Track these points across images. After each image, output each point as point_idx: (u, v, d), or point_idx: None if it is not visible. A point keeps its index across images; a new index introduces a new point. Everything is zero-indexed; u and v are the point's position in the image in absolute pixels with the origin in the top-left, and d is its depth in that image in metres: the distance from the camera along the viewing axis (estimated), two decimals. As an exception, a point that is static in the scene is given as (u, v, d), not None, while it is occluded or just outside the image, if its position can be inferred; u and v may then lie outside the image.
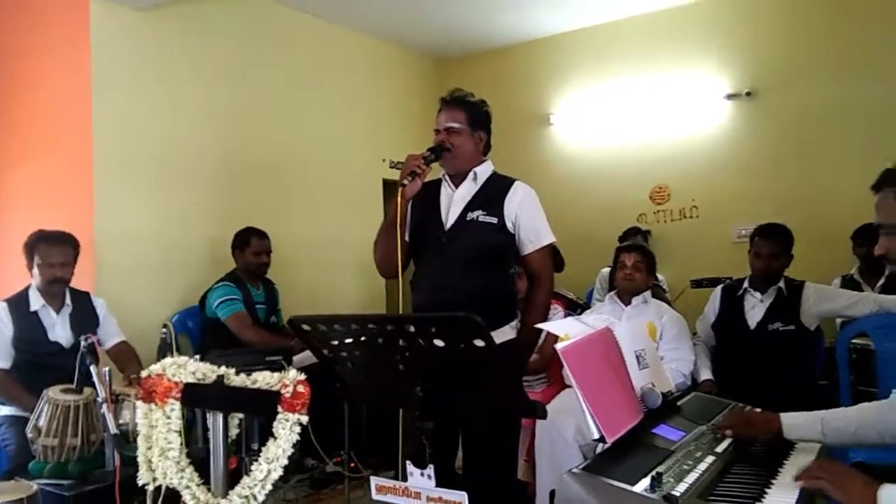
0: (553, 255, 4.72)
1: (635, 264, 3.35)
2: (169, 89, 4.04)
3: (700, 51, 5.02)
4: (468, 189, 2.46)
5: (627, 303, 3.37)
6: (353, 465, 3.68)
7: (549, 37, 5.65)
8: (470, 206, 2.41)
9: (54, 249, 3.05)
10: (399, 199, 2.35)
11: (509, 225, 2.40)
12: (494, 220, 2.38)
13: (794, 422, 1.74)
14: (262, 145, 4.57)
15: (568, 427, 2.97)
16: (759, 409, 2.00)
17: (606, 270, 4.54)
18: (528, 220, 2.40)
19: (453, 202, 2.46)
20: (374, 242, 2.56)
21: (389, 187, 5.60)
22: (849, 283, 4.07)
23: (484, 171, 2.50)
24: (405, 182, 2.35)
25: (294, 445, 1.85)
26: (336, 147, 5.17)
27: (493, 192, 2.43)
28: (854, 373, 3.16)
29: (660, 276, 4.69)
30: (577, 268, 4.95)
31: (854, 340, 3.18)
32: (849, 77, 4.49)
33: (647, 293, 3.38)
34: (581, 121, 5.55)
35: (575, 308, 4.38)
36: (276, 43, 4.72)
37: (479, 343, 1.47)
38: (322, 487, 3.74)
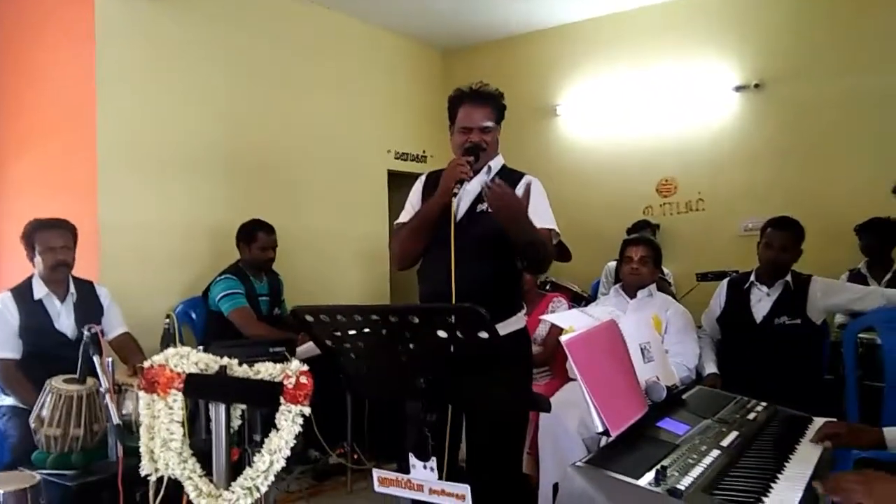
0: (560, 247, 4.75)
1: (642, 258, 3.33)
2: (173, 80, 4.03)
3: (708, 42, 4.97)
4: (479, 181, 2.44)
5: (633, 296, 3.36)
6: (356, 456, 3.68)
7: (557, 27, 5.61)
8: (480, 199, 2.39)
9: (53, 233, 3.05)
10: (452, 203, 2.30)
11: None
12: None
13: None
14: (267, 136, 4.56)
15: (571, 420, 2.97)
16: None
17: (613, 264, 4.51)
18: (535, 206, 2.37)
19: (464, 194, 2.44)
20: (393, 233, 2.52)
21: (394, 178, 5.59)
22: (856, 277, 4.04)
23: (496, 164, 2.49)
24: (456, 191, 2.31)
25: (297, 437, 1.85)
26: (341, 138, 5.15)
27: (506, 184, 2.41)
28: (861, 367, 3.13)
29: (665, 270, 4.67)
30: (582, 260, 4.93)
31: (860, 335, 3.16)
32: (857, 69, 4.44)
33: (653, 286, 3.37)
34: (588, 112, 5.51)
35: (579, 301, 4.38)
36: (281, 33, 4.70)
37: (484, 335, 1.45)
38: (325, 479, 3.74)
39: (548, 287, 4.43)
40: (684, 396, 2.09)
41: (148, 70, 3.91)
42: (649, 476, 1.43)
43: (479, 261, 2.30)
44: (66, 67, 3.85)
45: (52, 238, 3.03)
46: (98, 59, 3.69)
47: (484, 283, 2.25)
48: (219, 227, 4.08)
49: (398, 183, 5.59)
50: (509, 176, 2.44)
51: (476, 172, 2.43)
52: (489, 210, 2.33)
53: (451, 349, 1.51)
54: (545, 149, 5.65)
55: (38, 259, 3.03)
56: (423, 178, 2.61)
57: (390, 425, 3.22)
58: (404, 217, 2.55)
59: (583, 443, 2.93)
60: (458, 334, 1.47)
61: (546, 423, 3.09)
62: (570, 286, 4.56)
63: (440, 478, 1.55)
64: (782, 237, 3.17)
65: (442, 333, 1.49)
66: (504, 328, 2.22)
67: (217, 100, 4.26)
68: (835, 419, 2.05)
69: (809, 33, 4.64)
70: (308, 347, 2.62)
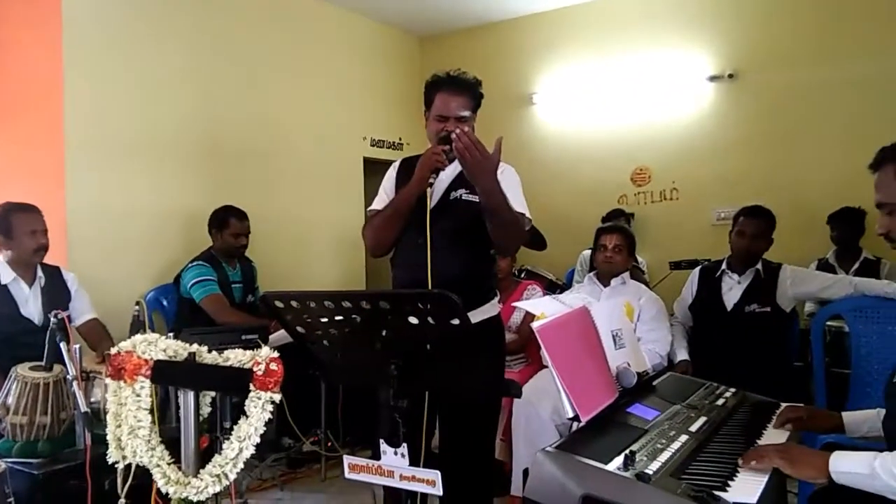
0: (535, 235, 4.76)
1: (616, 247, 3.35)
2: (145, 63, 3.94)
3: (683, 32, 5.00)
4: (453, 168, 2.42)
5: (606, 284, 3.38)
6: (329, 444, 3.67)
7: (534, 15, 5.59)
8: (454, 185, 2.37)
9: (32, 216, 3.00)
10: (427, 192, 2.27)
11: None
12: (477, 199, 2.35)
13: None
14: (241, 121, 4.50)
15: (544, 406, 2.99)
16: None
17: (587, 252, 4.54)
18: (509, 194, 2.36)
19: (438, 181, 2.43)
20: (366, 220, 2.48)
21: (370, 165, 5.56)
22: (824, 266, 4.11)
23: None
24: (432, 181, 2.28)
25: (268, 424, 1.83)
26: (316, 124, 5.10)
27: None
28: (828, 354, 3.19)
29: (639, 258, 4.71)
30: (557, 249, 4.95)
31: (829, 323, 3.21)
32: (830, 60, 4.49)
33: (626, 274, 3.39)
34: (563, 101, 5.52)
35: (554, 289, 4.40)
36: (256, 17, 4.63)
37: (455, 321, 1.45)
38: (298, 466, 3.73)
39: (523, 275, 4.45)
40: (655, 383, 2.11)
41: (118, 52, 3.83)
42: (618, 461, 1.44)
43: (451, 248, 2.29)
44: (31, 48, 3.74)
45: (33, 221, 2.99)
46: (65, 40, 3.59)
47: (456, 271, 2.24)
48: (191, 213, 4.03)
49: (374, 170, 5.56)
50: None
51: (451, 161, 2.42)
52: (463, 197, 2.33)
53: (424, 336, 1.51)
54: (521, 137, 5.65)
55: (16, 243, 2.96)
56: (396, 164, 2.59)
57: (364, 412, 3.22)
58: (377, 204, 2.52)
59: (555, 429, 2.96)
60: (430, 321, 1.47)
61: (519, 409, 3.11)
62: (545, 274, 4.58)
63: (413, 464, 1.55)
64: (755, 225, 3.21)
65: (413, 320, 1.49)
66: (477, 315, 2.22)
67: (190, 84, 4.18)
68: (801, 404, 2.08)
69: (783, 24, 4.68)
70: (281, 335, 2.59)
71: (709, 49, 4.91)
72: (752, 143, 4.78)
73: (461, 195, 2.35)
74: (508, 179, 2.36)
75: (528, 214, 2.39)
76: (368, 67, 5.62)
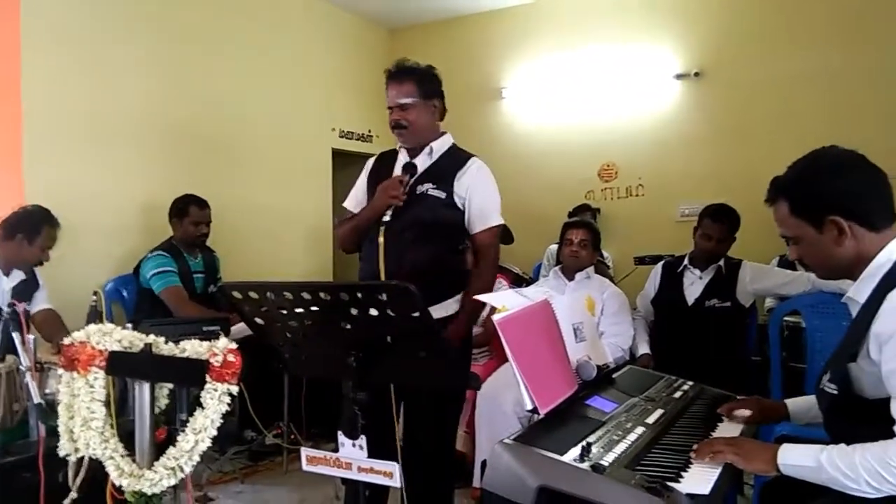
0: (503, 230, 4.74)
1: (581, 241, 3.37)
2: (106, 48, 3.85)
3: (651, 30, 5.05)
4: (422, 163, 2.42)
5: (571, 278, 3.40)
6: (292, 436, 3.65)
7: (504, 9, 5.60)
8: (420, 179, 2.37)
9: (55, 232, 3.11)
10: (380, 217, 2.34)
11: (458, 201, 2.35)
12: (443, 195, 2.35)
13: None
14: (206, 109, 4.42)
15: (507, 399, 3.00)
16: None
17: (555, 247, 4.56)
18: (479, 199, 2.36)
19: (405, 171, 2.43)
20: (339, 219, 2.60)
21: (339, 157, 5.53)
22: (785, 263, 4.18)
23: (441, 145, 2.44)
24: (387, 219, 2.32)
25: (230, 417, 1.81)
26: (284, 114, 5.04)
27: (448, 167, 2.39)
28: (785, 349, 3.26)
29: (605, 253, 4.75)
30: (525, 243, 4.97)
31: (786, 318, 3.28)
32: (795, 59, 4.58)
33: (591, 269, 3.42)
34: (532, 95, 5.53)
35: (521, 283, 4.41)
36: (223, 4, 4.55)
37: (416, 314, 1.45)
38: (261, 459, 3.70)
39: (492, 268, 4.45)
40: (614, 376, 2.13)
41: (77, 37, 3.72)
42: (574, 452, 1.46)
43: (413, 242, 2.30)
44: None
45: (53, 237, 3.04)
46: (24, 22, 3.49)
47: (417, 265, 2.24)
48: (152, 201, 3.94)
49: (343, 162, 5.53)
50: (456, 157, 2.43)
51: (417, 153, 2.42)
52: (429, 192, 2.33)
53: (384, 328, 1.50)
54: (490, 131, 5.66)
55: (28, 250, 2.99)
56: (370, 162, 2.59)
57: (328, 405, 3.20)
58: (348, 202, 2.57)
59: (518, 421, 2.97)
60: (390, 313, 1.46)
61: (483, 402, 3.12)
62: (512, 268, 4.59)
63: (379, 456, 1.54)
64: (720, 230, 3.25)
65: (374, 312, 1.48)
66: (439, 311, 2.22)
67: (154, 70, 4.10)
68: (757, 396, 2.12)
69: (749, 23, 4.75)
70: (243, 326, 2.56)
71: (676, 47, 4.96)
72: (716, 140, 4.86)
73: (427, 189, 2.36)
74: (482, 184, 2.37)
75: (500, 221, 2.41)
76: (338, 58, 5.58)
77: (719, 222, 3.27)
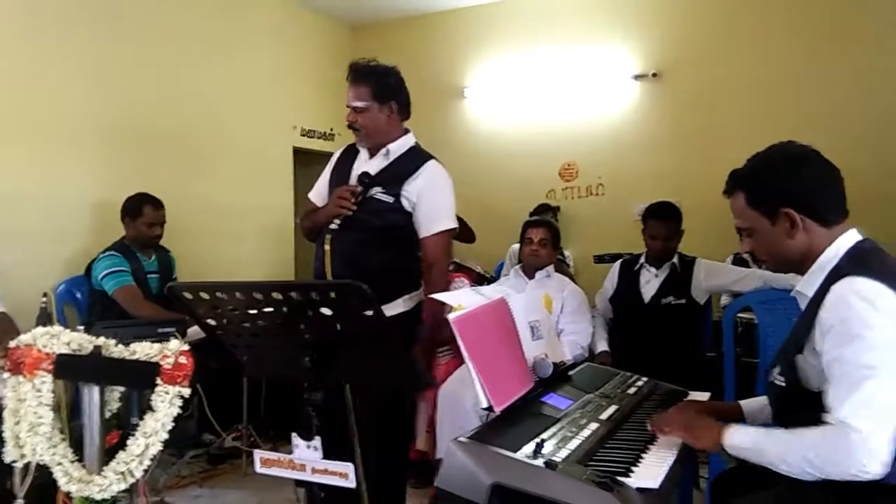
0: (464, 228, 4.77)
1: (541, 240, 3.40)
2: (56, 42, 3.74)
3: (610, 31, 5.12)
4: (378, 164, 2.43)
5: (531, 277, 3.43)
6: (252, 439, 3.61)
7: (467, 8, 5.62)
8: (372, 183, 2.38)
9: None
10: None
11: (407, 205, 2.36)
12: (390, 200, 2.36)
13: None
14: (161, 106, 4.33)
15: (468, 397, 2.99)
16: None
17: (517, 246, 4.59)
18: (428, 204, 2.37)
19: (359, 167, 2.45)
20: (304, 211, 2.66)
21: (300, 155, 5.48)
22: (739, 260, 4.27)
23: (399, 147, 2.44)
24: (333, 226, 2.37)
25: (189, 420, 1.79)
26: (244, 111, 4.97)
27: (400, 170, 2.39)
28: (739, 345, 3.33)
29: (566, 252, 4.80)
30: (487, 242, 4.99)
31: (739, 314, 3.35)
32: (751, 60, 4.69)
33: (551, 267, 3.45)
34: (494, 95, 5.56)
35: (483, 281, 4.42)
36: (181, -1, 4.48)
37: (368, 312, 1.44)
38: (220, 463, 3.64)
39: (451, 268, 4.46)
40: (571, 373, 2.15)
41: (24, 29, 3.61)
42: (528, 449, 1.47)
43: (360, 246, 2.33)
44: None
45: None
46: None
47: (362, 268, 2.24)
48: (104, 200, 3.84)
49: (304, 160, 5.48)
50: (412, 160, 2.42)
51: (375, 153, 2.43)
52: (377, 195, 2.35)
53: (337, 327, 1.49)
54: (453, 130, 5.67)
55: None
56: (337, 153, 2.61)
57: (288, 406, 3.17)
58: (313, 194, 2.61)
59: (479, 420, 2.97)
60: (343, 312, 1.46)
61: (444, 401, 3.13)
62: (474, 267, 4.60)
63: (338, 457, 1.53)
64: (665, 228, 3.32)
65: (326, 311, 1.47)
66: (387, 310, 2.23)
67: (107, 66, 4.00)
68: (707, 394, 2.16)
69: (705, 26, 4.85)
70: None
71: (634, 49, 5.04)
72: (674, 140, 4.95)
73: (375, 193, 2.37)
74: (433, 188, 2.37)
75: (451, 226, 2.41)
76: (299, 55, 5.52)
77: (662, 221, 3.33)
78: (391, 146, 2.43)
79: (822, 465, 1.35)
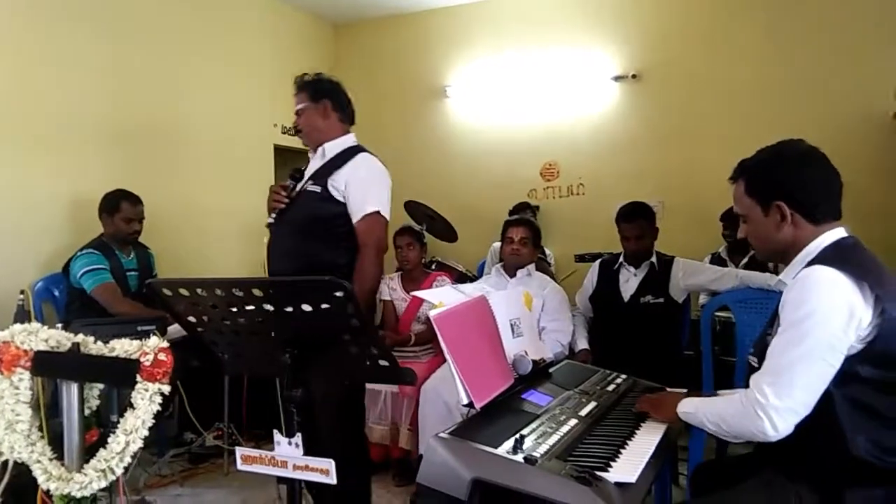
0: (445, 227, 4.79)
1: (522, 239, 3.42)
2: (30, 38, 3.68)
3: (591, 33, 5.15)
4: (315, 164, 2.58)
5: (512, 275, 3.45)
6: (233, 437, 3.59)
7: (449, 7, 5.61)
8: (309, 178, 2.53)
9: None
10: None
11: (336, 194, 2.46)
12: (318, 189, 2.48)
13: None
14: (140, 103, 4.29)
15: (451, 395, 3.02)
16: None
17: (498, 245, 4.61)
18: (356, 190, 2.45)
19: (306, 174, 2.59)
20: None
21: (281, 153, 5.46)
22: (717, 260, 4.34)
23: (335, 146, 2.56)
24: (271, 220, 2.55)
25: (169, 418, 1.77)
26: (225, 109, 4.94)
27: (332, 164, 2.51)
28: (717, 343, 3.37)
29: (546, 251, 4.83)
30: (469, 241, 5.02)
31: (717, 313, 3.39)
32: (729, 62, 4.73)
33: (532, 266, 3.47)
34: (476, 95, 5.57)
35: (464, 280, 4.45)
36: (159, -5, 4.43)
37: (348, 309, 1.45)
38: (201, 461, 3.62)
39: (433, 266, 4.48)
40: (551, 370, 2.17)
41: (4, 27, 3.57)
42: (508, 445, 1.49)
43: (291, 237, 2.46)
44: None
45: None
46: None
47: (293, 259, 2.41)
48: (82, 198, 3.79)
49: (285, 158, 5.46)
50: (346, 155, 2.52)
51: (313, 152, 2.61)
52: (307, 188, 2.48)
53: (316, 323, 1.50)
54: (435, 130, 5.68)
55: None
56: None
57: (269, 404, 3.16)
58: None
59: (461, 417, 2.99)
60: (322, 308, 1.46)
61: (426, 398, 3.14)
62: (456, 266, 4.63)
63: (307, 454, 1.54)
64: (636, 228, 3.35)
65: (307, 307, 1.48)
66: None
67: (84, 63, 3.94)
68: (685, 389, 2.19)
69: (684, 27, 4.90)
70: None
71: (614, 50, 5.08)
72: (653, 141, 4.99)
73: (306, 187, 2.51)
74: (359, 175, 2.46)
75: (382, 211, 2.48)
76: (281, 53, 5.50)
77: (630, 222, 3.37)
78: (327, 145, 2.57)
79: (730, 428, 1.55)
